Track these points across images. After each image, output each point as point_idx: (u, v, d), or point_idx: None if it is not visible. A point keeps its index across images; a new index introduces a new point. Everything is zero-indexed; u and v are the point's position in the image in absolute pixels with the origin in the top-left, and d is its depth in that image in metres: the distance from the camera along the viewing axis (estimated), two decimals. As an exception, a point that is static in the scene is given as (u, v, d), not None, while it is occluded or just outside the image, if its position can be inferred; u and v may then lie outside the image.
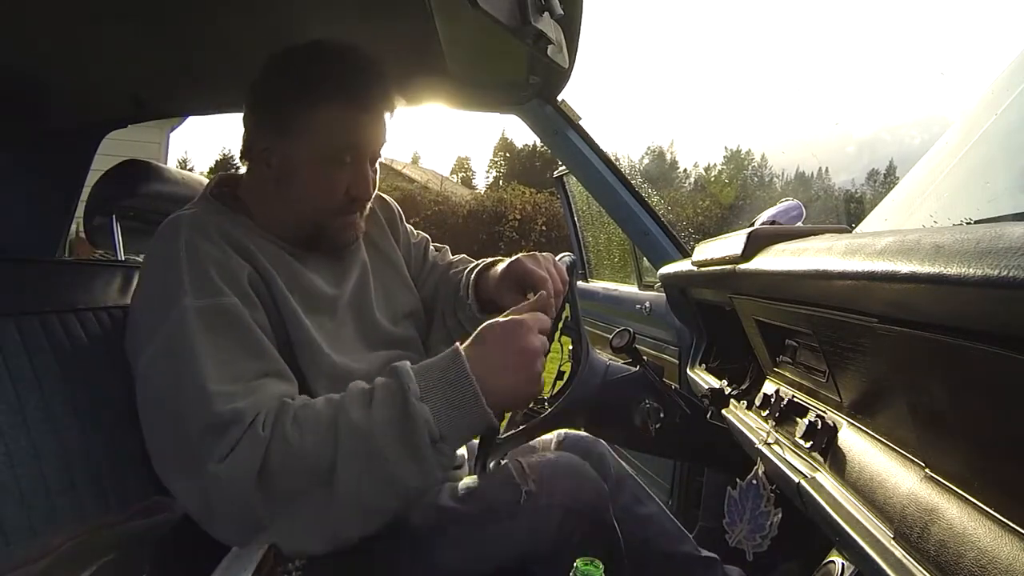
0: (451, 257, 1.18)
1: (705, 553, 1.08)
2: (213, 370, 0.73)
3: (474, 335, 0.77)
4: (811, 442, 0.67)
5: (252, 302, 0.81)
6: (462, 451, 1.01)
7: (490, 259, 1.08)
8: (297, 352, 0.84)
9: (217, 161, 24.00)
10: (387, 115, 0.89)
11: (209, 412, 0.71)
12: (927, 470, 0.48)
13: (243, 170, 0.97)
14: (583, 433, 1.14)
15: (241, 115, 0.92)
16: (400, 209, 1.13)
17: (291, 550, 0.73)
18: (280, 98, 0.86)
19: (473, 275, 1.04)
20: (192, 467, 0.71)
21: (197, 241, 0.81)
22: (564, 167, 2.34)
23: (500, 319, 0.79)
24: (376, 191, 0.96)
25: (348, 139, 0.87)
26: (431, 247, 1.18)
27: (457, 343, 0.76)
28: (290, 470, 0.71)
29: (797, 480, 0.67)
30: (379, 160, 0.93)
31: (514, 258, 0.98)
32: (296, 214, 0.90)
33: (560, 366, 1.13)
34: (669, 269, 1.27)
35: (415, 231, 1.17)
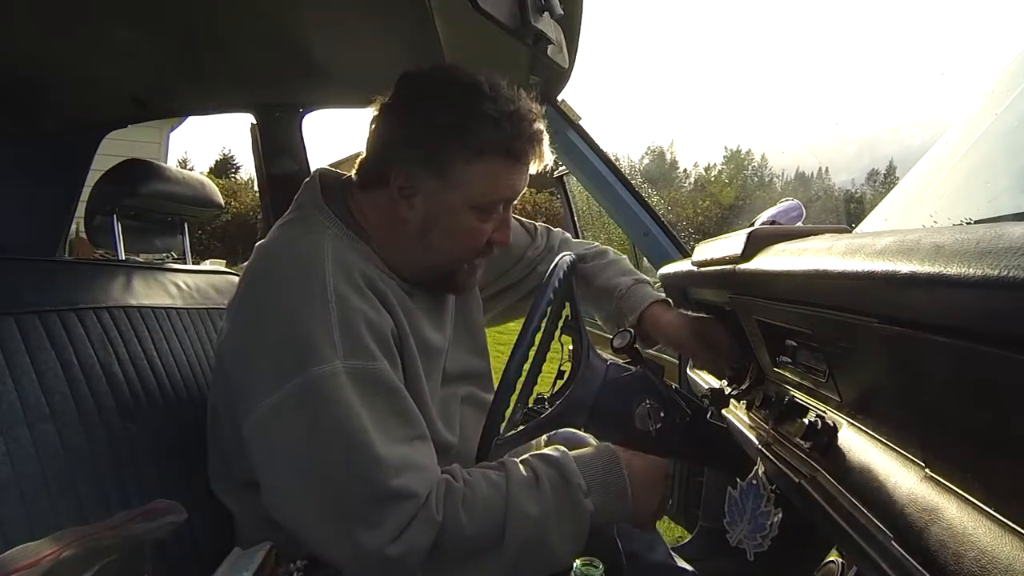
0: (552, 239, 1.18)
1: (681, 564, 1.05)
2: (378, 435, 0.71)
3: (634, 456, 0.85)
4: (811, 442, 0.67)
5: (395, 361, 0.80)
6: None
7: (657, 296, 1.11)
8: None
9: (217, 161, 23.98)
10: (534, 165, 0.88)
11: (382, 481, 0.69)
12: (927, 470, 0.48)
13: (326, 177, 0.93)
14: (571, 430, 1.13)
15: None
16: None
17: None
18: (440, 141, 0.81)
19: (642, 308, 1.08)
20: (356, 530, 0.69)
21: (347, 293, 0.77)
22: (564, 167, 2.34)
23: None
24: None
25: (504, 192, 0.86)
26: (522, 238, 1.15)
27: (611, 446, 0.85)
28: (458, 551, 0.72)
29: (797, 480, 0.67)
30: None
31: (713, 319, 1.04)
32: (433, 258, 0.88)
33: (560, 366, 1.12)
34: (669, 269, 1.26)
35: None
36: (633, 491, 0.80)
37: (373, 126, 0.87)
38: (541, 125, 0.86)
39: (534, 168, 0.87)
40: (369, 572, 0.70)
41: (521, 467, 0.78)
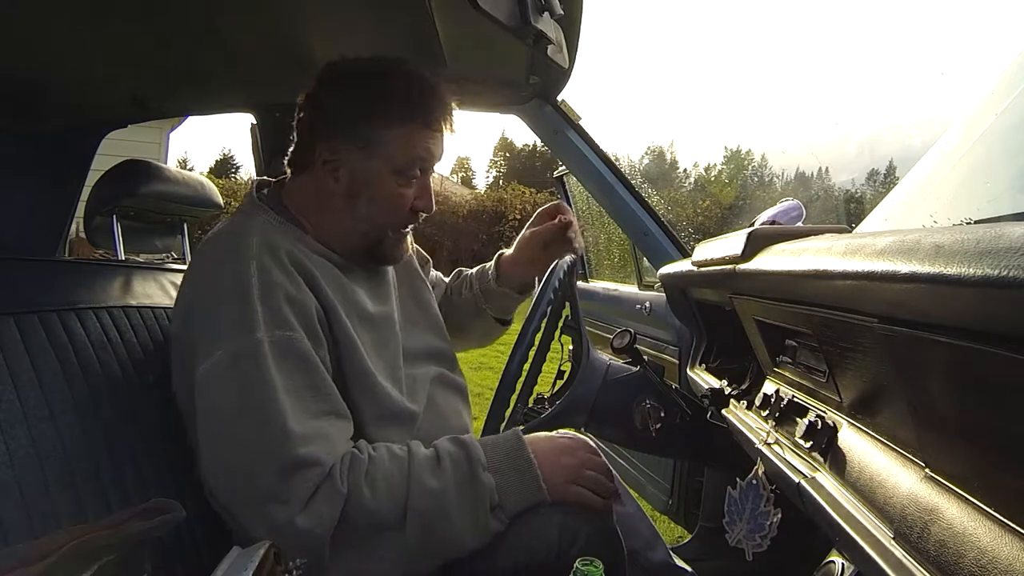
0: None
1: (679, 563, 1.05)
2: (290, 408, 0.76)
3: (535, 437, 0.87)
4: (811, 442, 0.67)
5: (317, 338, 0.83)
6: None
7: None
8: (350, 383, 0.86)
9: (217, 161, 23.96)
10: (447, 133, 0.95)
11: (288, 452, 0.74)
12: (927, 470, 0.48)
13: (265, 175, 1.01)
14: (571, 432, 1.14)
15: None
16: None
17: None
18: (359, 114, 0.89)
19: (495, 258, 1.19)
20: (267, 504, 0.74)
21: (270, 268, 0.82)
22: (564, 167, 2.34)
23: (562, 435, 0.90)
24: None
25: (420, 154, 0.92)
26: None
27: (518, 431, 0.86)
28: (362, 525, 0.75)
29: (797, 480, 0.67)
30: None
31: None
32: (361, 226, 0.93)
33: (560, 366, 1.13)
34: (669, 269, 1.27)
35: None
36: (541, 464, 0.82)
37: (300, 114, 0.94)
38: (451, 99, 0.94)
39: (448, 137, 0.95)
40: (284, 544, 0.73)
41: (424, 446, 0.82)
